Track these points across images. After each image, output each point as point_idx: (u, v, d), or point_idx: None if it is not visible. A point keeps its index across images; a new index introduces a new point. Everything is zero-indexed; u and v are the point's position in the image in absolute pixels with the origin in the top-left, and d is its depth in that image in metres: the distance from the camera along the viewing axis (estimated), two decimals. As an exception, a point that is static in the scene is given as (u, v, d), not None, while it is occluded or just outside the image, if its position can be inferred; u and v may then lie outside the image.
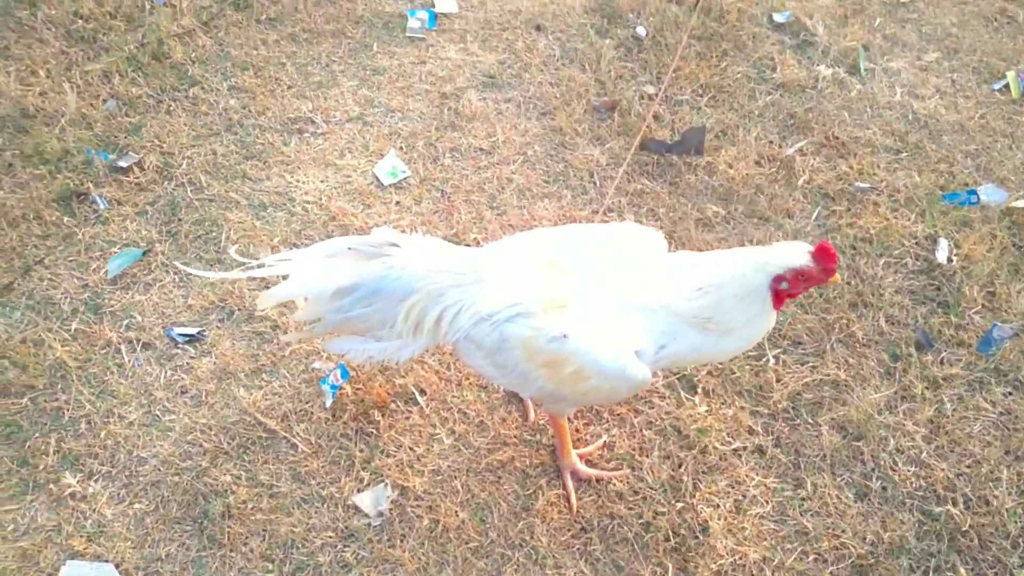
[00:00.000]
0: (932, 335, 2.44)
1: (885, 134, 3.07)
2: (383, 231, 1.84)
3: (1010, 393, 2.33)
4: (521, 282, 1.68)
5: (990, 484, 2.14)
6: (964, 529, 2.05)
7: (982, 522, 2.07)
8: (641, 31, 3.44)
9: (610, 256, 1.74)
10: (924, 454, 2.19)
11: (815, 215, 2.78)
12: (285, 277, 1.80)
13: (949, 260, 2.62)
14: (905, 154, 3.00)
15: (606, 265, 1.71)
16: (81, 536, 2.04)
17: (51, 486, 2.13)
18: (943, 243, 2.66)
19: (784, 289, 1.65)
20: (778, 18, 3.53)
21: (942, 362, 2.38)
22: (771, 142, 3.02)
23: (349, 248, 1.78)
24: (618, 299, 1.68)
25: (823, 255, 1.60)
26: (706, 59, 3.32)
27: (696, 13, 3.44)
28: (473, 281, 1.72)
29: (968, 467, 2.17)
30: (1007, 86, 3.29)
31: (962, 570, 1.99)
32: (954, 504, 2.09)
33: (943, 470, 2.16)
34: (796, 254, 1.61)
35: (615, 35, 3.45)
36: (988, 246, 2.65)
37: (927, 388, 2.32)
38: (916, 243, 2.68)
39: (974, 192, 2.80)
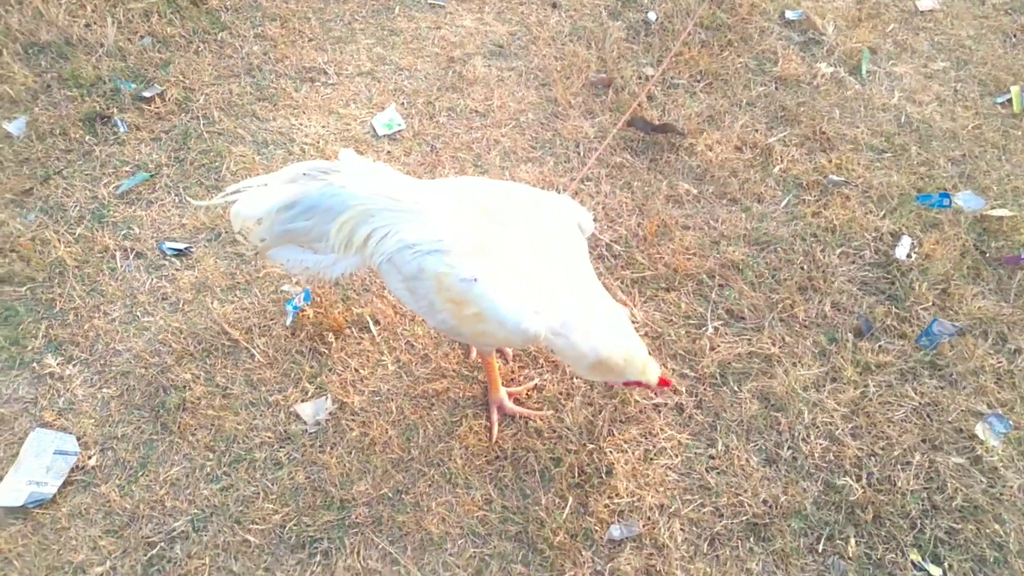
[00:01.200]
0: (874, 324, 2.51)
1: (873, 134, 3.12)
2: (346, 152, 2.03)
3: (942, 387, 2.39)
4: (451, 221, 1.82)
5: (899, 467, 2.21)
6: (863, 504, 2.13)
7: (882, 499, 2.14)
8: (652, 16, 3.55)
9: (541, 220, 1.86)
10: (839, 431, 2.27)
11: (784, 203, 2.86)
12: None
13: (908, 256, 2.67)
14: (888, 154, 3.04)
15: (536, 227, 1.84)
16: (53, 410, 2.28)
17: (35, 365, 2.38)
18: (905, 240, 2.71)
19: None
20: (790, 15, 3.58)
21: (878, 350, 2.45)
22: (756, 130, 3.10)
23: (304, 174, 1.98)
24: (539, 261, 1.81)
25: (661, 385, 2.01)
26: (709, 47, 3.41)
27: (707, 1, 3.52)
28: (406, 210, 1.87)
29: (881, 449, 2.25)
30: (1010, 100, 3.29)
31: (852, 541, 2.08)
32: (857, 480, 2.17)
33: (854, 448, 2.24)
34: (655, 375, 1.95)
35: (626, 18, 3.56)
36: (951, 247, 2.69)
37: (857, 372, 2.40)
38: (878, 237, 2.74)
39: (947, 195, 2.83)
